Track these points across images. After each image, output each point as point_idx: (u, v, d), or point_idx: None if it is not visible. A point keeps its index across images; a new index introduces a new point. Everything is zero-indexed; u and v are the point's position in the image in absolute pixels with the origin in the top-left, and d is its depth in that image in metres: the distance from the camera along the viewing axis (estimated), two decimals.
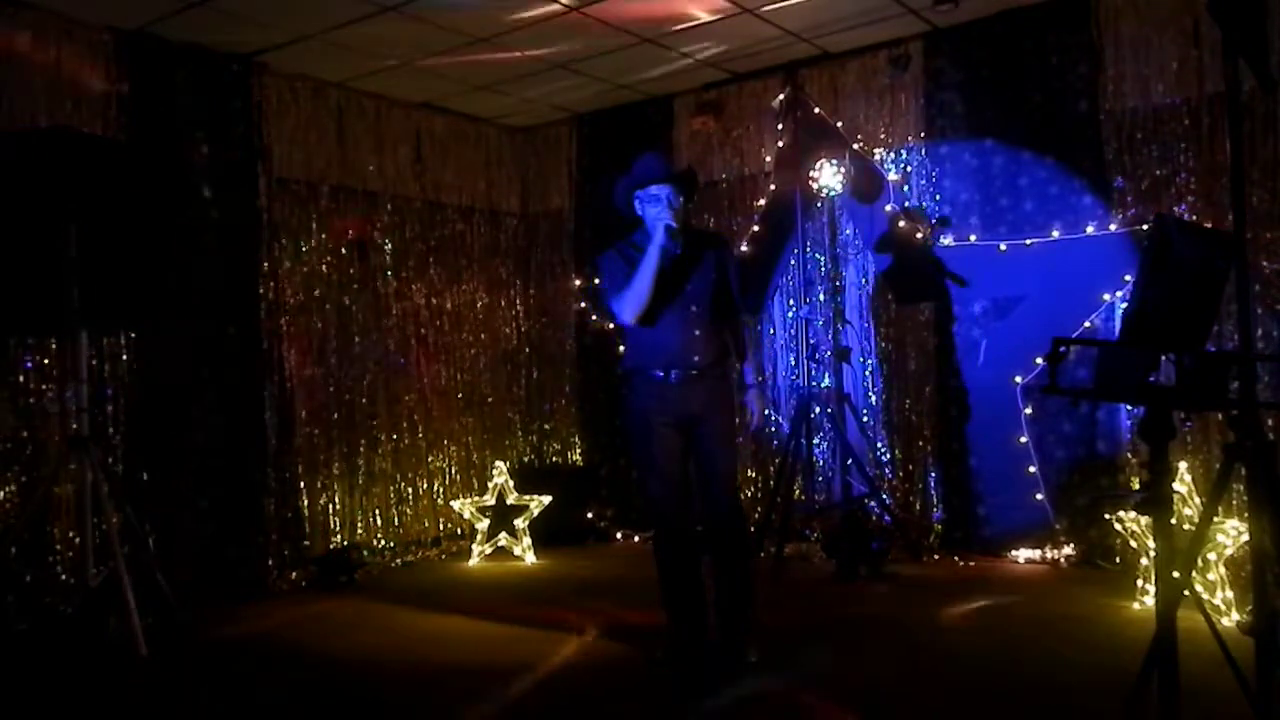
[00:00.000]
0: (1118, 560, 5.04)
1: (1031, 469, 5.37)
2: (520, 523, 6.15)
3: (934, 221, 5.62)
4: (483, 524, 6.17)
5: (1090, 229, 5.21)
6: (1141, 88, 5.07)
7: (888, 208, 5.84)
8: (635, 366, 3.83)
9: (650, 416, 3.74)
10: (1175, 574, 2.34)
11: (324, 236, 6.09)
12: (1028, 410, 5.41)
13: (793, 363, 6.22)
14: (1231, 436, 2.37)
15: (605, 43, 5.61)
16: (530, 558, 6.06)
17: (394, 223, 6.52)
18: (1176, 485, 4.10)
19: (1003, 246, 5.48)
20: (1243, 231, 2.48)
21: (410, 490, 6.55)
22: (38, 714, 3.57)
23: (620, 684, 3.68)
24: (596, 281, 4.01)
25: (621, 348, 6.71)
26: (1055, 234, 5.31)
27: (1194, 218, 4.85)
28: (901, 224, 5.73)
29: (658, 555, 3.83)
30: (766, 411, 4.15)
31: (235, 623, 4.75)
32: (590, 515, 6.87)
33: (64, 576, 4.68)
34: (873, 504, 5.75)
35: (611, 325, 6.79)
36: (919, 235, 5.72)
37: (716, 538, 3.80)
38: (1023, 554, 5.41)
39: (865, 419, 6.00)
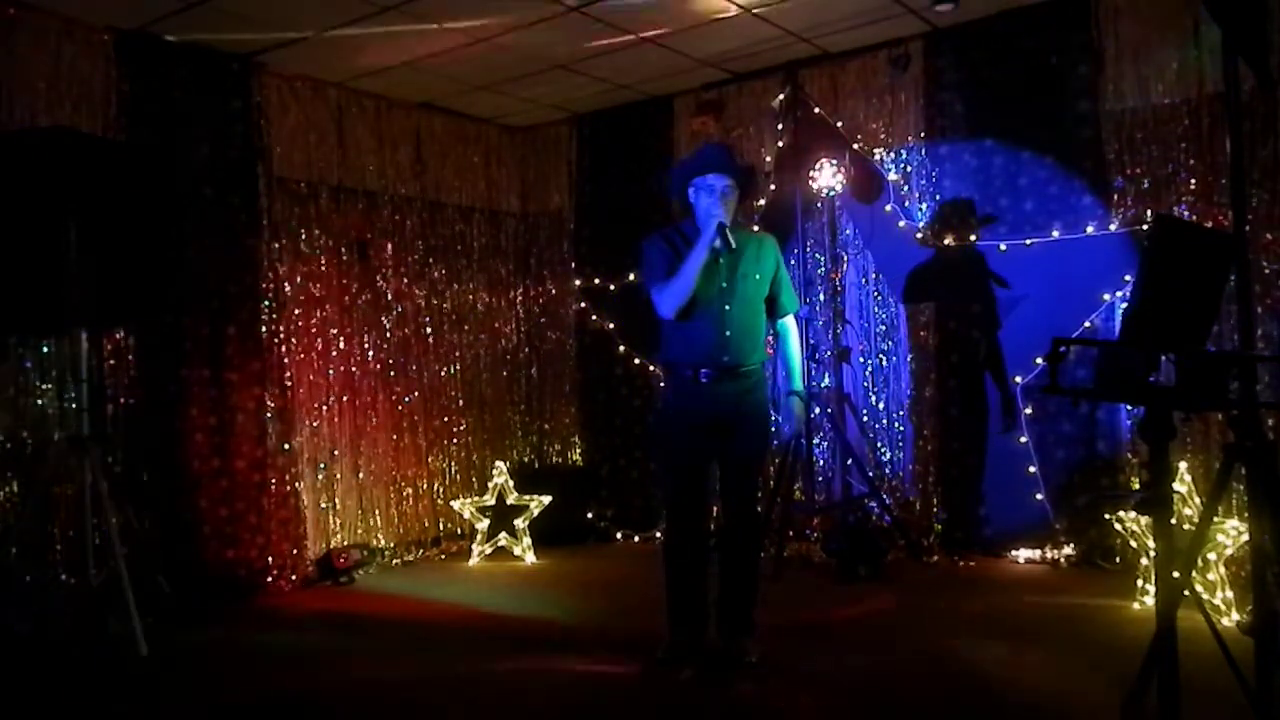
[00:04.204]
0: (1118, 560, 5.04)
1: (1031, 469, 5.37)
2: (520, 523, 6.15)
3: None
4: (483, 524, 6.17)
5: (1090, 229, 5.21)
6: (1141, 88, 5.07)
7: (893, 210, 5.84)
8: (668, 362, 3.83)
9: (678, 415, 3.72)
10: (1175, 574, 2.34)
11: (324, 236, 6.09)
12: (1028, 410, 5.41)
13: None
14: (1231, 436, 2.37)
15: (605, 43, 5.61)
16: (530, 558, 6.06)
17: (394, 223, 6.53)
18: (1176, 485, 4.10)
19: (1003, 246, 5.48)
20: (1243, 231, 2.48)
21: (410, 490, 6.55)
22: (38, 715, 3.57)
23: (620, 685, 3.68)
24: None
25: (621, 347, 6.82)
26: (1055, 234, 5.31)
27: (1194, 218, 4.85)
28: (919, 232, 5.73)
29: (666, 555, 3.82)
30: (802, 425, 3.97)
31: (235, 623, 4.75)
32: (590, 515, 6.87)
33: (64, 576, 4.68)
34: (873, 504, 5.75)
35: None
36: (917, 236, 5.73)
37: (729, 539, 3.79)
38: (1023, 554, 5.41)
39: (865, 418, 6.00)
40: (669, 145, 6.59)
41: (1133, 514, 4.43)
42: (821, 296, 6.08)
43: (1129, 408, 5.09)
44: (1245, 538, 3.89)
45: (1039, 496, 5.35)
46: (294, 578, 5.50)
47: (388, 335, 6.44)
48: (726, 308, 3.67)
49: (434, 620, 4.74)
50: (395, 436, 6.47)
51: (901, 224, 5.82)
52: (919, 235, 5.75)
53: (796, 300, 3.98)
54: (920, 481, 5.83)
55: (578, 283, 7.14)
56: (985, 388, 5.58)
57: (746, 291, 3.71)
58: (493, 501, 6.22)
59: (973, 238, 5.59)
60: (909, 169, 5.84)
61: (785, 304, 3.88)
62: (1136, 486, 5.00)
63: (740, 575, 3.77)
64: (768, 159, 6.28)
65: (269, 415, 5.54)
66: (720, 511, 3.86)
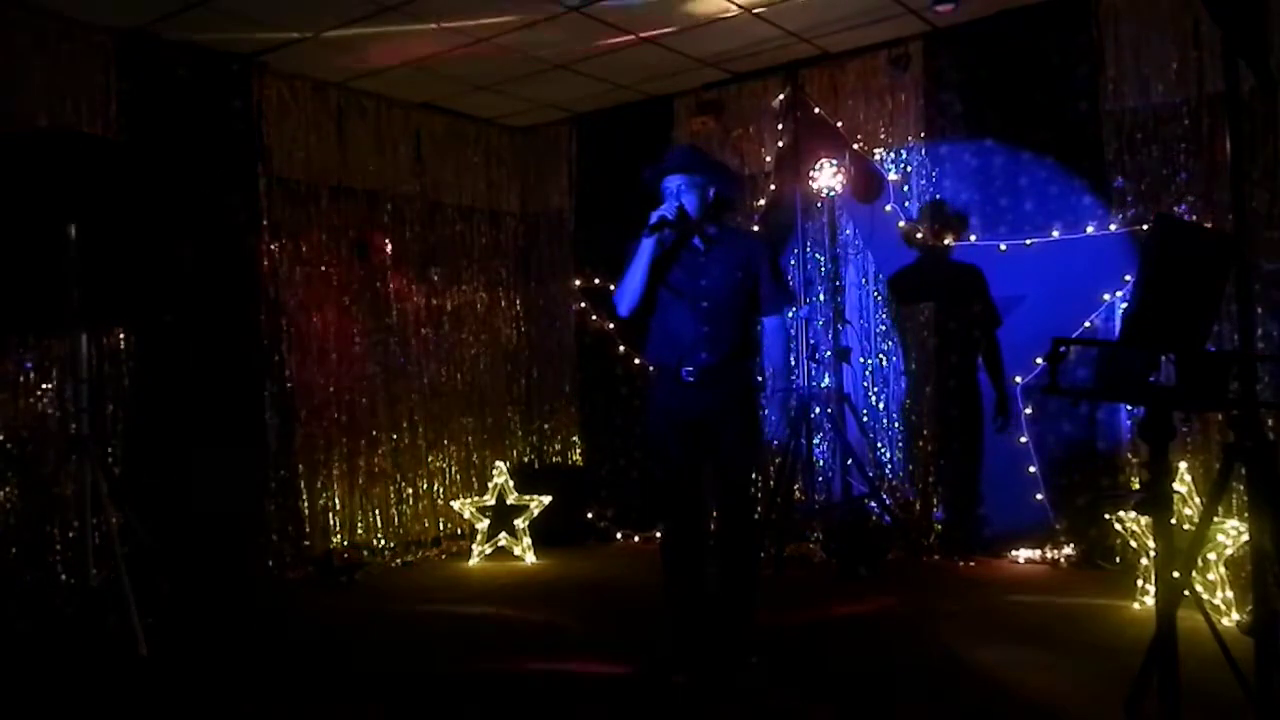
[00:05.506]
0: (1118, 560, 5.04)
1: (1031, 469, 5.37)
2: (520, 523, 6.15)
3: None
4: (483, 524, 6.17)
5: (1090, 229, 5.21)
6: (1141, 88, 5.07)
7: (887, 209, 5.84)
8: (651, 361, 3.82)
9: (664, 415, 3.71)
10: (1175, 574, 2.34)
11: (324, 236, 6.10)
12: (1028, 410, 5.41)
13: (793, 363, 6.22)
14: (1231, 436, 2.37)
15: (605, 43, 5.61)
16: (530, 558, 6.06)
17: (394, 223, 6.53)
18: (1176, 485, 4.10)
19: (1003, 246, 5.48)
20: (1243, 231, 2.47)
21: (410, 490, 6.56)
22: (38, 714, 3.57)
23: (620, 684, 3.68)
24: None
25: (621, 347, 6.82)
26: (1055, 234, 5.31)
27: (1194, 218, 4.85)
28: (918, 232, 5.73)
29: (664, 555, 3.82)
30: (784, 425, 3.92)
31: (235, 623, 4.75)
32: (590, 515, 6.87)
33: (64, 576, 4.68)
34: (873, 504, 5.75)
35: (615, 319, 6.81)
36: (919, 235, 5.73)
37: (725, 540, 3.79)
38: (1023, 554, 5.41)
39: (866, 418, 6.01)
40: (669, 145, 6.58)
41: (1133, 514, 4.43)
42: (821, 296, 6.08)
43: (1129, 408, 5.09)
44: (1245, 538, 3.89)
45: (1039, 496, 5.35)
46: (294, 578, 5.50)
47: (388, 335, 6.45)
48: (704, 305, 3.65)
49: (434, 620, 4.74)
50: (395, 436, 6.48)
51: (901, 224, 5.82)
52: (918, 235, 5.75)
53: (790, 300, 3.92)
54: (920, 481, 5.83)
55: (578, 283, 7.15)
56: (981, 387, 5.58)
57: (727, 289, 3.68)
58: (493, 501, 6.22)
59: (972, 238, 5.59)
60: (909, 169, 5.84)
61: (770, 302, 3.81)
62: (1136, 486, 5.00)
63: (738, 576, 3.76)
64: (768, 159, 6.29)
65: (269, 414, 5.54)
66: (717, 513, 3.85)
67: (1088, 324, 5.17)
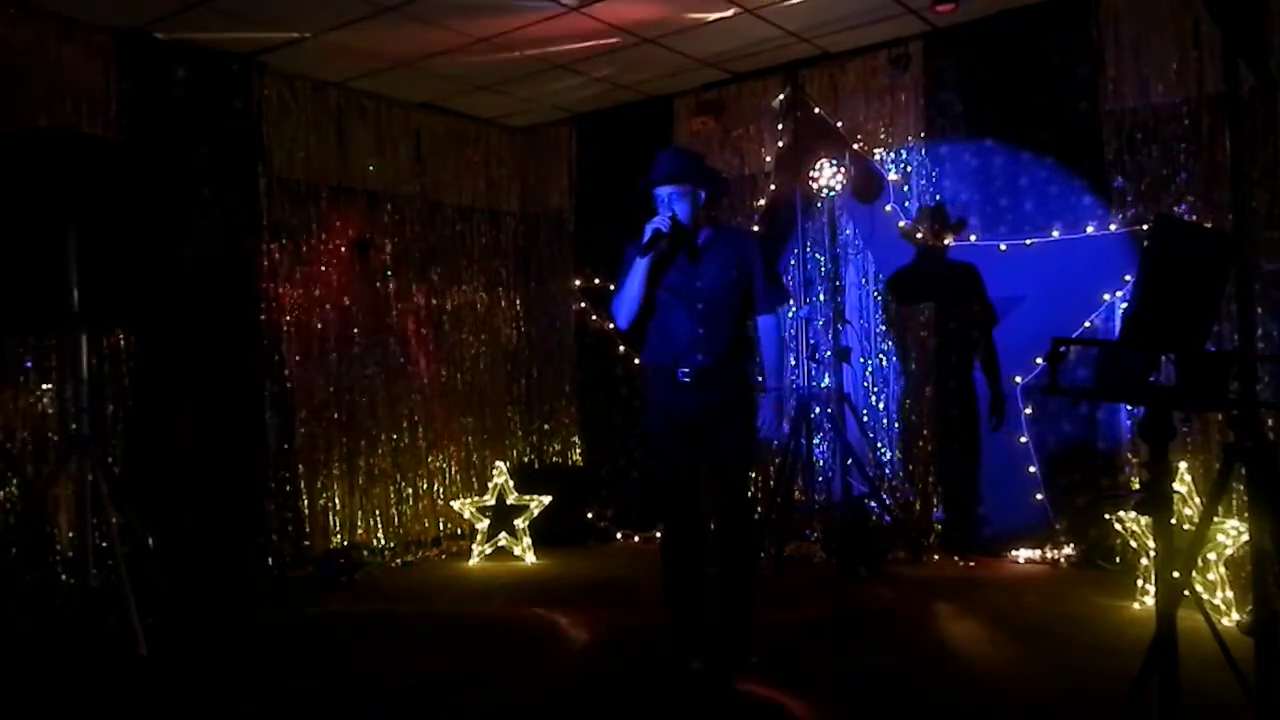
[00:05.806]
0: (1118, 560, 5.04)
1: (1031, 469, 5.37)
2: (520, 523, 6.15)
3: (955, 223, 5.62)
4: (483, 524, 6.17)
5: (1090, 229, 5.21)
6: (1141, 88, 5.07)
7: (887, 208, 5.85)
8: (648, 362, 3.83)
9: (661, 413, 3.73)
10: (1175, 574, 2.34)
11: (325, 236, 6.10)
12: (1028, 410, 5.41)
13: (793, 363, 6.21)
14: (1231, 436, 2.36)
15: (605, 43, 5.61)
16: (530, 558, 6.06)
17: (394, 223, 6.53)
18: (1176, 485, 4.10)
19: (1003, 246, 5.48)
20: (1243, 231, 2.47)
21: (410, 490, 6.56)
22: (38, 714, 3.57)
23: (620, 685, 3.68)
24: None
25: (621, 347, 6.82)
26: (1055, 234, 5.31)
27: (1194, 218, 4.85)
28: (919, 232, 5.73)
29: (664, 555, 3.82)
30: (779, 423, 3.95)
31: (235, 623, 4.75)
32: (590, 515, 6.87)
33: (64, 576, 4.68)
34: (873, 504, 5.75)
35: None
36: (918, 235, 5.73)
37: (723, 541, 3.79)
38: (1023, 554, 5.42)
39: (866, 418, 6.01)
40: (667, 146, 6.57)
41: (1133, 514, 4.43)
42: (821, 296, 6.08)
43: (1129, 408, 5.09)
44: (1245, 538, 3.89)
45: (1039, 496, 5.35)
46: (294, 578, 5.50)
47: (388, 335, 6.45)
48: (699, 306, 3.66)
49: (434, 620, 4.74)
50: (395, 436, 6.48)
51: (901, 224, 5.82)
52: (918, 235, 5.75)
53: (782, 299, 3.93)
54: (920, 481, 5.83)
55: (578, 283, 7.15)
56: (978, 387, 5.59)
57: (721, 290, 3.69)
58: (493, 501, 6.22)
59: (972, 238, 5.59)
60: (909, 169, 5.84)
61: (765, 301, 3.82)
62: (1136, 486, 5.01)
63: (737, 576, 3.76)
64: (768, 159, 6.29)
65: (269, 415, 5.54)
66: (714, 513, 3.85)
67: (1088, 324, 5.17)
